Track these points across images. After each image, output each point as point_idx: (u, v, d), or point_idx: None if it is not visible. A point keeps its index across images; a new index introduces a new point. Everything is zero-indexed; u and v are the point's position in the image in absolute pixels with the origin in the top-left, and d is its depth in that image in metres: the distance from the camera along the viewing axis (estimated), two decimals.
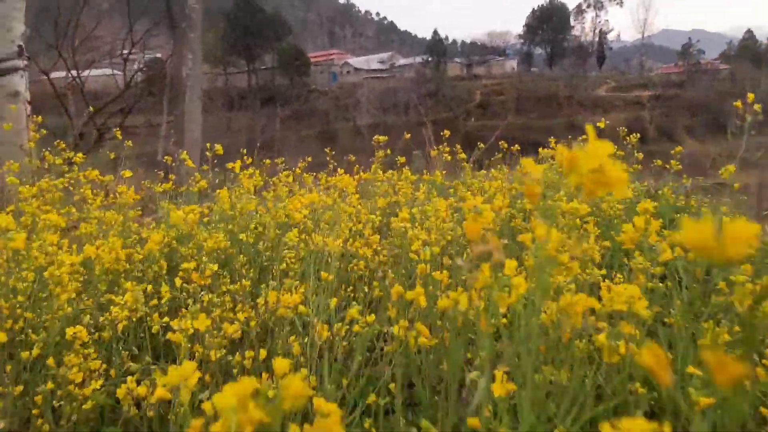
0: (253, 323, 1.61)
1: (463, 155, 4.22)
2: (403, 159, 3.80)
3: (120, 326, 1.59)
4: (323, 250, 1.81)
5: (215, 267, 1.80)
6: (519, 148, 5.13)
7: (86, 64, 13.30)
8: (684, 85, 55.04)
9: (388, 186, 3.30)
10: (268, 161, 3.93)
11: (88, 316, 1.63)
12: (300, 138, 41.35)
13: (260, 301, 1.70)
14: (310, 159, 4.12)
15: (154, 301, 1.73)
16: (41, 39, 11.75)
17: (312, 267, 1.73)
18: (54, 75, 12.07)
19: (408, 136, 5.17)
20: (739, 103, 2.76)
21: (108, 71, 13.85)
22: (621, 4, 74.03)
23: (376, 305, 1.89)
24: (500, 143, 5.27)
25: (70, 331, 1.45)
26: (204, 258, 1.98)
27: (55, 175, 2.85)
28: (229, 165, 3.24)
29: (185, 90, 8.39)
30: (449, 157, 4.27)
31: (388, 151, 3.72)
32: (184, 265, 1.79)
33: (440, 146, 8.68)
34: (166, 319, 1.63)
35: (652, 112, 50.80)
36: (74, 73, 11.46)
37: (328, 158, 4.20)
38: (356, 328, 1.40)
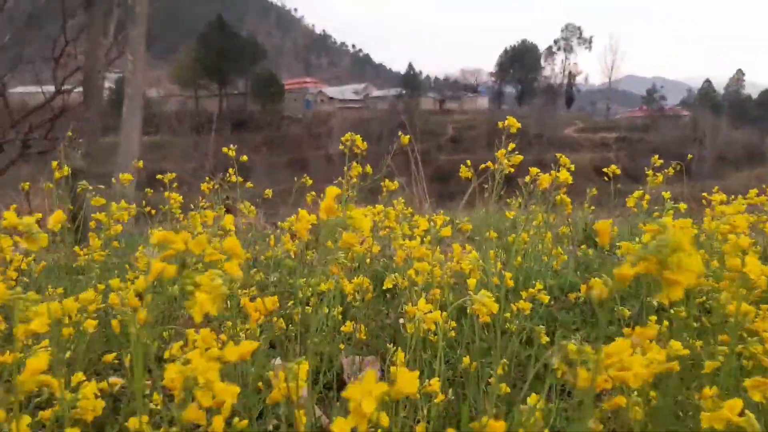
0: None
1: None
2: (392, 185, 2.97)
3: None
4: None
5: None
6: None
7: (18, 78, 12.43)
8: (648, 130, 56.79)
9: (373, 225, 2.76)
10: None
11: None
12: (270, 164, 40.70)
13: None
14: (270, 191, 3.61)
15: None
16: None
17: None
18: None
19: (388, 158, 4.63)
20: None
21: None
22: (590, 48, 76.76)
23: None
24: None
25: None
26: None
27: None
28: (170, 194, 2.68)
29: (124, 97, 7.42)
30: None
31: (366, 169, 2.79)
32: None
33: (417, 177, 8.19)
34: None
35: (618, 153, 52.08)
36: None
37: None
38: None
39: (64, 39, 9.93)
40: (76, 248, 2.59)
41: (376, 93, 70.31)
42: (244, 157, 3.29)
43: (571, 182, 2.12)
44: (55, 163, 2.54)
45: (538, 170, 1.72)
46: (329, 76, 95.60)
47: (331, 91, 69.79)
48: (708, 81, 70.22)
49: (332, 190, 0.84)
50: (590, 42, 75.87)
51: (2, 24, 10.95)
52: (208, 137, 43.15)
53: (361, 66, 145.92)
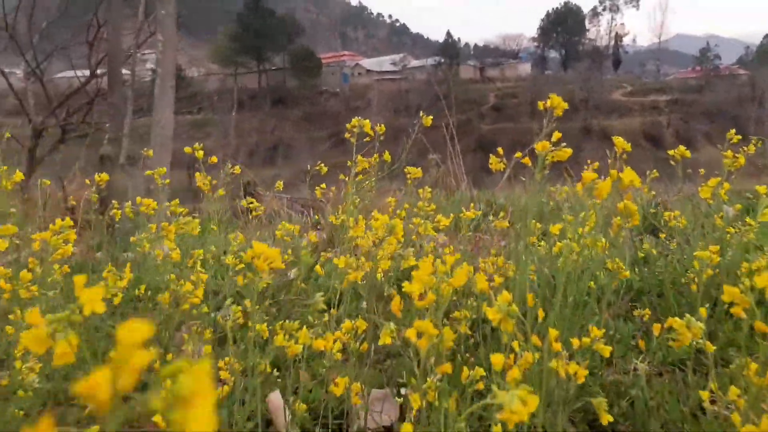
0: None
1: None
2: (416, 171, 2.66)
3: None
4: None
5: None
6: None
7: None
8: (702, 91, 53.91)
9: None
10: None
11: None
12: (310, 139, 40.81)
13: None
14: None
15: None
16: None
17: None
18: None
19: (424, 124, 4.31)
20: None
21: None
22: (637, 7, 72.98)
23: None
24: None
25: None
26: None
27: None
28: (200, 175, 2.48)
29: (156, 78, 7.32)
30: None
31: (384, 157, 2.44)
32: None
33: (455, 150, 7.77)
34: None
35: (669, 117, 49.78)
36: (35, 66, 10.49)
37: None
38: None
39: (96, 23, 9.96)
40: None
41: (414, 63, 69.15)
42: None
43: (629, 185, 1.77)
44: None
45: (596, 176, 1.34)
46: (366, 48, 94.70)
47: (369, 63, 69.05)
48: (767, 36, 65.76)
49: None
50: (637, 1, 72.13)
51: (38, 12, 11.07)
52: (248, 115, 43.55)
53: (399, 36, 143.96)
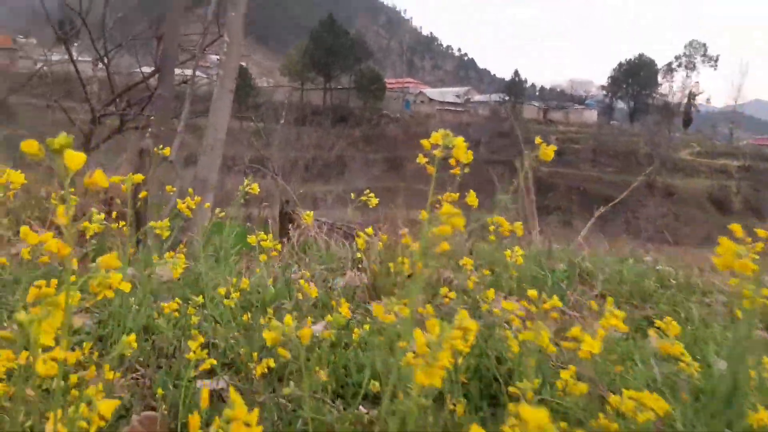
0: None
1: None
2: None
3: None
4: None
5: None
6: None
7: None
8: None
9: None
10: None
11: None
12: (365, 161, 41.03)
13: None
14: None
15: None
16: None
17: None
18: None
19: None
20: None
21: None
22: (715, 67, 70.75)
23: None
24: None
25: None
26: None
27: None
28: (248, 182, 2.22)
29: (216, 79, 7.21)
30: None
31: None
32: None
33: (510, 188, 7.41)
34: None
35: (739, 183, 47.52)
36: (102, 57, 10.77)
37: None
38: None
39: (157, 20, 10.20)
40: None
41: (477, 98, 69.07)
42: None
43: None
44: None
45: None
46: (432, 78, 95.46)
47: (432, 92, 69.43)
48: None
49: None
50: (716, 61, 69.88)
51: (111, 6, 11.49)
52: (310, 129, 44.22)
53: (465, 70, 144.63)
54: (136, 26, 12.92)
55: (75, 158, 0.86)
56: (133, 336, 1.14)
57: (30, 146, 0.85)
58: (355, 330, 1.87)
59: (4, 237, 4.17)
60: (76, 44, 12.17)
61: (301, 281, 2.57)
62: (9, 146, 8.76)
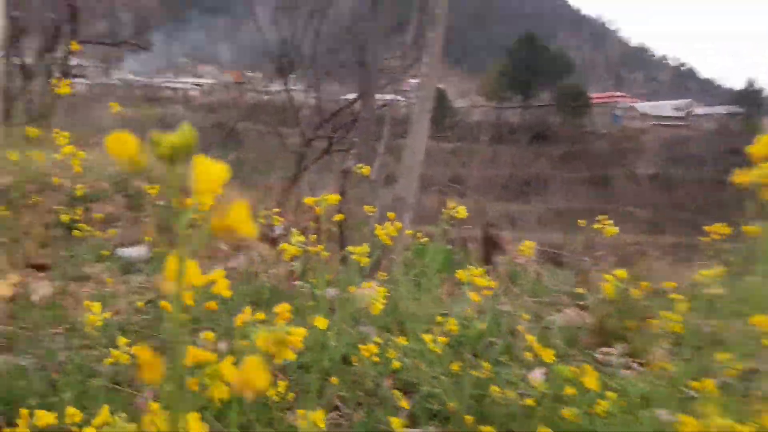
0: None
1: None
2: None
3: None
4: None
5: None
6: None
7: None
8: None
9: None
10: None
11: None
12: (566, 180, 38.79)
13: None
14: None
15: None
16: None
17: None
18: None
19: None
20: None
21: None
22: None
23: None
24: None
25: None
26: None
27: None
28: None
29: (415, 101, 7.18)
30: None
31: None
32: None
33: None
34: None
35: None
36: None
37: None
38: None
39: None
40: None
41: (700, 111, 61.07)
42: None
43: None
44: None
45: None
46: (646, 90, 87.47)
47: (643, 106, 63.38)
48: None
49: None
50: None
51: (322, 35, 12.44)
52: (506, 148, 43.43)
53: (683, 81, 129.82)
54: (341, 55, 13.92)
55: (210, 170, 0.52)
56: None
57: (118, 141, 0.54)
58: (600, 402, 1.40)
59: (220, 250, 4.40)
60: (292, 75, 13.54)
61: (519, 327, 2.11)
62: (237, 168, 10.00)
